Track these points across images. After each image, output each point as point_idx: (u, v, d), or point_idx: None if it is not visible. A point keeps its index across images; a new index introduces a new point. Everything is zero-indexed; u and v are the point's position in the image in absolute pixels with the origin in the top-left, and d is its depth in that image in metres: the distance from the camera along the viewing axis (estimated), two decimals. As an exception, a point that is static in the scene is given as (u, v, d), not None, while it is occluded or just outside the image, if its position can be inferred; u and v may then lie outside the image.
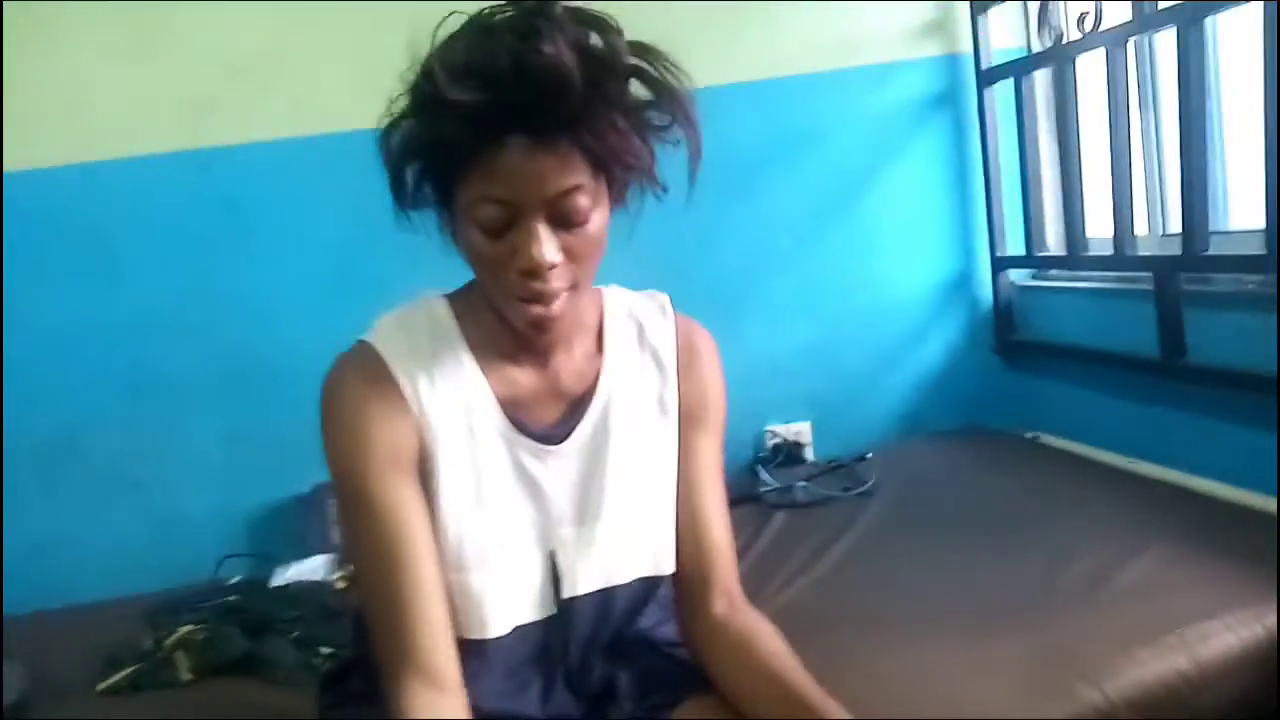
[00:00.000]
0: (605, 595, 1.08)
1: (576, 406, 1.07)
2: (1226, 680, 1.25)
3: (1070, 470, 2.05)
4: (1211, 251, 1.86)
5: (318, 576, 1.94)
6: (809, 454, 2.44)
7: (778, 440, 2.43)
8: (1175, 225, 2.02)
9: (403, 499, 0.99)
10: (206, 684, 1.62)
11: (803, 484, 2.16)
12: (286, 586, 1.91)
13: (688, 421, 1.12)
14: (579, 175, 0.90)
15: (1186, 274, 1.91)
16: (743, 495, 2.18)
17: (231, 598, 1.84)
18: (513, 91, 0.85)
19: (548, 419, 1.07)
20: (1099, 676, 1.24)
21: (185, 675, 1.62)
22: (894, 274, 2.51)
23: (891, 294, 2.51)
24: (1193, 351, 1.91)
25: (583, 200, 0.91)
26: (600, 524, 1.07)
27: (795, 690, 0.99)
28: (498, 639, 1.03)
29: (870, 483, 2.11)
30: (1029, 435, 2.35)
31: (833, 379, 2.49)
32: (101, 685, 1.60)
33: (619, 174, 0.95)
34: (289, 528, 2.15)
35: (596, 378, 1.08)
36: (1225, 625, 1.28)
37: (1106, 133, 2.09)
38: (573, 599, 1.07)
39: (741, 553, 1.86)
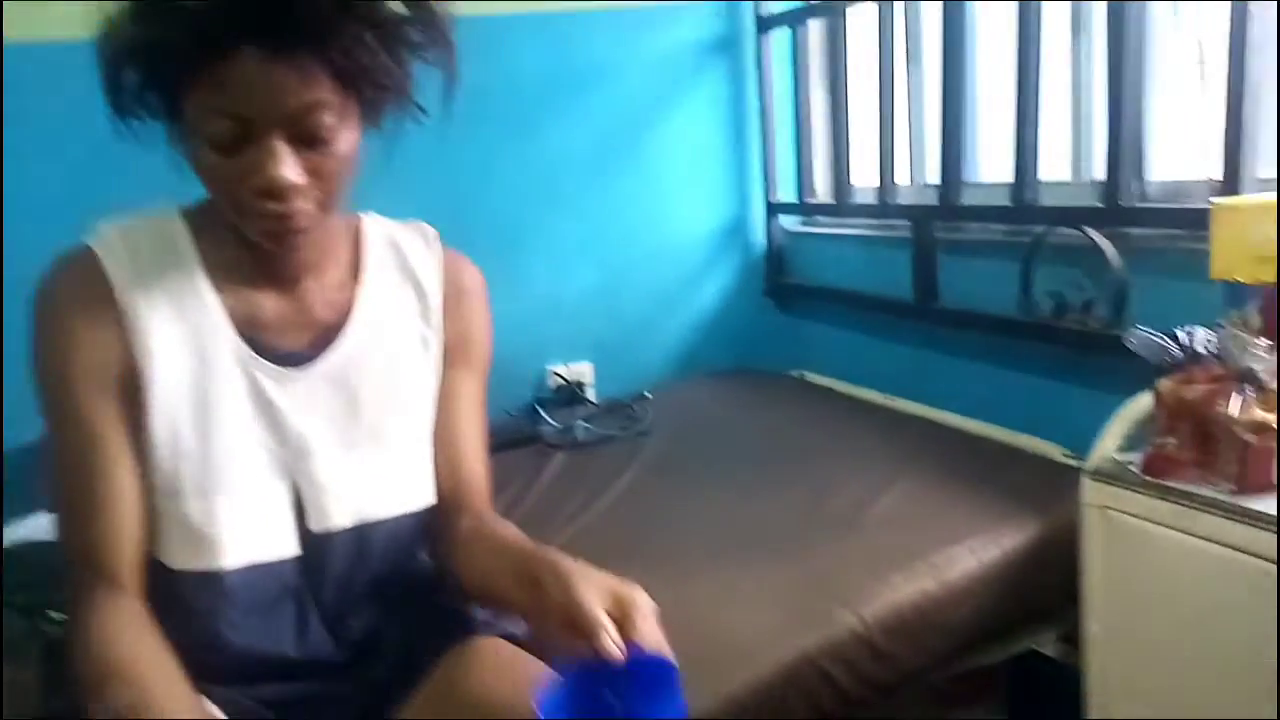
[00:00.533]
0: (360, 532, 1.04)
1: (328, 335, 1.02)
2: (969, 599, 1.36)
3: (833, 407, 2.15)
4: (963, 202, 1.99)
5: (46, 536, 1.75)
6: (590, 394, 2.44)
7: (560, 381, 2.42)
8: (933, 176, 2.14)
9: (99, 412, 0.95)
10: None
11: (583, 424, 2.16)
12: (9, 549, 1.72)
13: (451, 359, 1.09)
14: (322, 91, 0.85)
15: (941, 222, 2.03)
16: (524, 436, 2.16)
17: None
18: None
19: (294, 345, 1.01)
20: (856, 602, 1.31)
21: (-117, 652, 1.43)
22: (674, 218, 2.53)
23: (671, 237, 2.53)
24: (944, 295, 2.03)
25: (327, 118, 0.86)
26: (354, 457, 1.03)
27: (521, 550, 0.99)
28: (236, 572, 0.98)
29: (648, 421, 2.14)
30: (796, 374, 2.45)
31: (613, 320, 2.50)
32: None
33: (369, 93, 0.89)
34: (10, 482, 1.93)
35: (351, 307, 1.03)
36: (968, 549, 1.39)
37: (874, 85, 2.18)
38: (324, 535, 1.02)
39: (522, 494, 1.84)
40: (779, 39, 2.49)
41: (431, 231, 1.11)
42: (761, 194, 2.57)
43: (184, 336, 0.96)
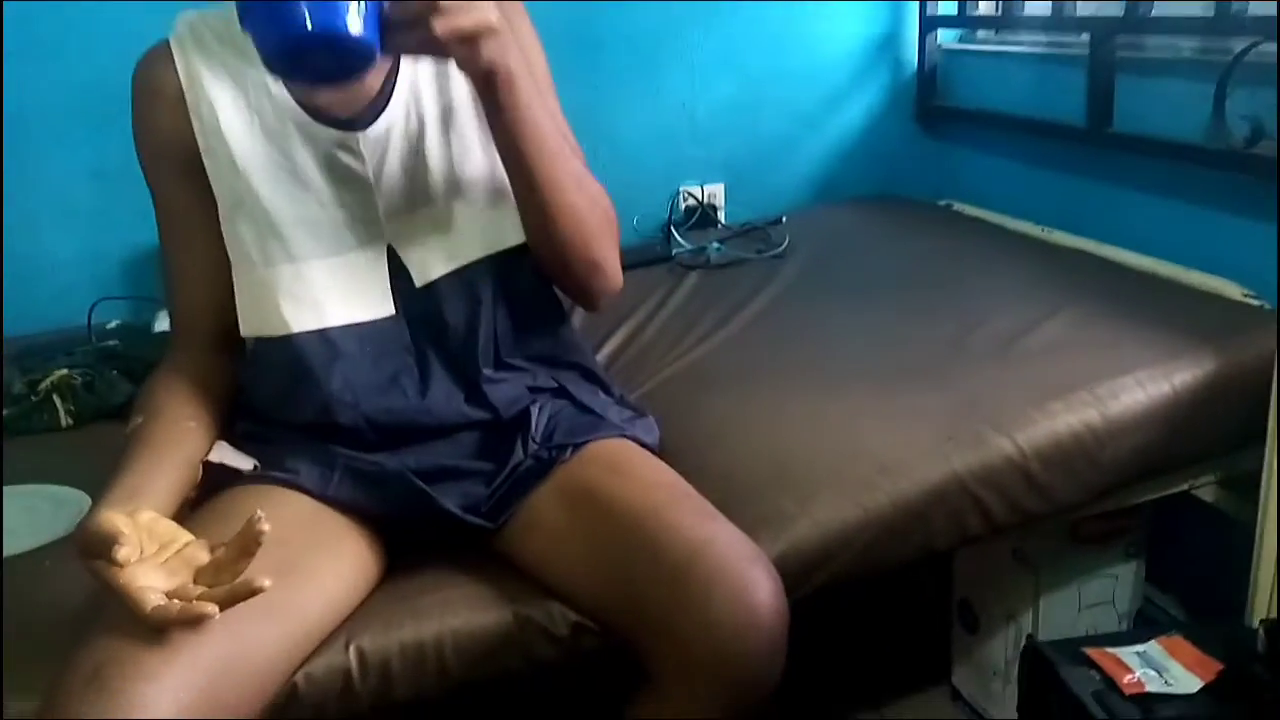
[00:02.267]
0: (463, 276, 1.08)
1: (380, 99, 1.06)
2: (1131, 434, 1.28)
3: (985, 238, 2.03)
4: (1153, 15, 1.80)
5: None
6: (721, 217, 2.37)
7: (691, 202, 2.35)
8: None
9: (172, 191, 1.08)
10: (87, 429, 1.54)
11: (716, 245, 2.11)
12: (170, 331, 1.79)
13: None
14: None
15: (1125, 37, 1.85)
16: (656, 256, 2.13)
17: (110, 342, 1.72)
18: None
19: (349, 112, 1.05)
20: (1011, 427, 1.25)
21: (64, 421, 1.54)
22: (818, 29, 2.36)
23: (815, 51, 2.37)
24: (1119, 120, 1.87)
25: None
26: (436, 207, 1.07)
27: None
28: (342, 331, 1.06)
29: (784, 245, 2.07)
30: (944, 204, 2.32)
31: (749, 140, 2.38)
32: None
33: None
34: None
35: (396, 66, 1.07)
36: (1135, 381, 1.30)
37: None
38: (427, 288, 1.07)
39: (656, 310, 1.82)
40: None
41: None
42: (916, 5, 2.38)
43: (251, 117, 1.04)
